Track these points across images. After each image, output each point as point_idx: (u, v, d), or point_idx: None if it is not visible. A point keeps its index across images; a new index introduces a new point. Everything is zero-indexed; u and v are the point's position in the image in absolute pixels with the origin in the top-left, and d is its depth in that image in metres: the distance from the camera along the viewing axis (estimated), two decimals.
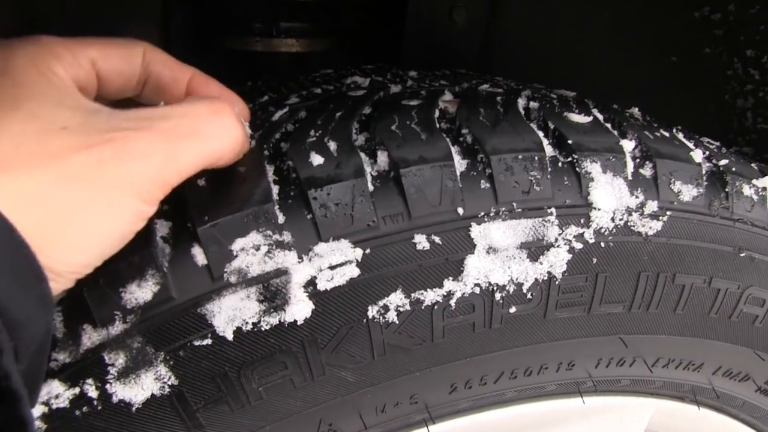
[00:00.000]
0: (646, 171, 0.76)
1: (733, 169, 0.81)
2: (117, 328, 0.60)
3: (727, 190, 0.79)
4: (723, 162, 0.81)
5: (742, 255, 0.81)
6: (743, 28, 1.30)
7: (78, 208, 0.51)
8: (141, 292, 0.60)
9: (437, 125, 0.73)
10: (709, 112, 1.44)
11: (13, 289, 0.45)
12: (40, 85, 0.55)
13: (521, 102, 0.83)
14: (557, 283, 0.74)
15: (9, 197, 0.48)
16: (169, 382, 0.63)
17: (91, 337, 0.60)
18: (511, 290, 0.72)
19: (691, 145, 0.81)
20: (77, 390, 0.61)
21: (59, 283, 0.52)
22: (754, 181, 0.82)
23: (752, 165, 0.86)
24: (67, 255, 0.52)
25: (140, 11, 1.19)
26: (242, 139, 0.63)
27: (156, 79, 0.67)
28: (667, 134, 0.82)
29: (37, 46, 0.57)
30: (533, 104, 0.82)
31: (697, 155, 0.79)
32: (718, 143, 0.91)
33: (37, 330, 0.48)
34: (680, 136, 0.84)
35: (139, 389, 0.62)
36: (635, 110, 0.94)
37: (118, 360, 0.61)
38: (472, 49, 1.44)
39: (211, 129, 0.59)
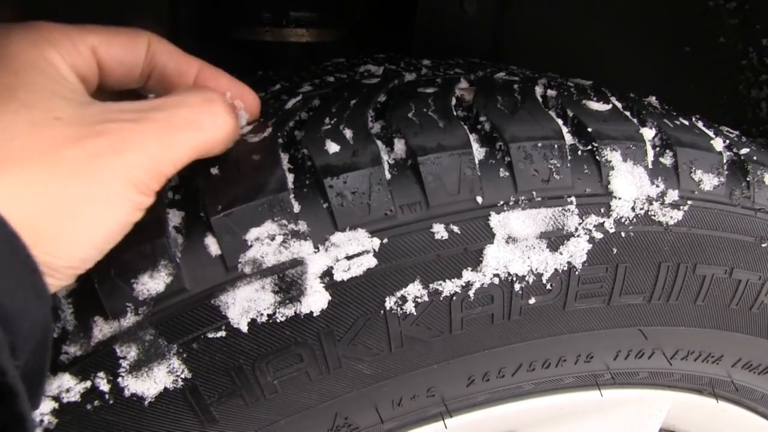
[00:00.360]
0: (667, 160, 0.74)
1: (755, 158, 0.80)
2: (129, 320, 0.59)
3: (748, 179, 0.78)
4: (744, 151, 0.80)
5: (763, 245, 0.79)
6: (759, 17, 1.29)
7: (72, 201, 0.50)
8: (153, 283, 0.59)
9: (454, 113, 0.71)
10: (722, 103, 1.43)
11: (5, 281, 0.44)
12: (34, 74, 0.54)
13: (539, 90, 0.81)
14: (577, 273, 0.72)
15: (1, 190, 0.47)
16: (183, 376, 0.62)
17: (102, 330, 0.59)
18: (531, 281, 0.71)
19: (711, 133, 0.80)
20: (88, 383, 0.60)
21: (57, 279, 0.52)
22: None
23: None
24: (63, 249, 0.51)
25: (149, 5, 1.17)
26: (234, 128, 0.63)
27: (161, 70, 0.66)
28: (686, 123, 0.80)
29: (34, 33, 0.56)
30: (551, 92, 0.81)
31: (718, 144, 0.78)
32: (737, 132, 0.89)
33: (35, 323, 0.47)
34: (700, 124, 0.82)
35: (151, 383, 0.61)
36: (653, 99, 0.92)
37: (130, 353, 0.60)
38: (484, 40, 1.42)
39: (204, 119, 0.59)
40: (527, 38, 1.45)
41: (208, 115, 0.59)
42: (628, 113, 0.78)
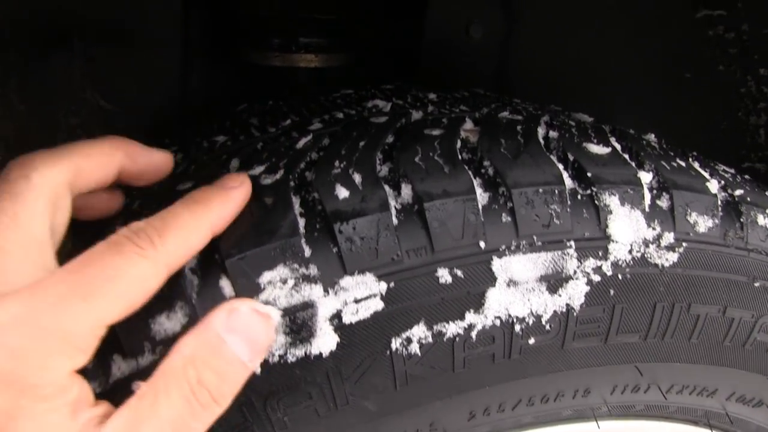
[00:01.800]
0: (663, 202, 0.77)
1: (748, 199, 0.82)
2: (146, 358, 0.62)
3: (742, 220, 0.81)
4: (738, 192, 0.82)
5: (756, 284, 0.82)
6: (757, 47, 1.31)
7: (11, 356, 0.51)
8: (170, 324, 0.62)
9: (459, 156, 0.74)
10: (722, 129, 1.45)
11: None
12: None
13: (541, 131, 0.84)
14: (575, 314, 0.75)
15: None
16: None
17: (120, 368, 0.62)
18: (531, 322, 0.73)
19: (707, 174, 0.83)
20: None
21: None
22: None
23: (767, 194, 0.87)
24: None
25: (161, 23, 1.20)
26: (152, 275, 0.58)
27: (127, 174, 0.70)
28: (683, 164, 0.83)
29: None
30: (553, 133, 0.83)
31: (713, 186, 0.81)
32: (733, 171, 0.92)
33: None
34: (696, 165, 0.85)
35: None
36: (651, 136, 0.95)
37: None
38: (489, 65, 1.45)
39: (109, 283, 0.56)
40: (531, 64, 1.47)
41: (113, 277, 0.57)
42: (626, 156, 0.81)
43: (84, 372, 0.61)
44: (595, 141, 0.83)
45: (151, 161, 0.71)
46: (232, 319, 0.59)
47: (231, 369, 0.59)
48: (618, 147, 0.83)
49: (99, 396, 0.61)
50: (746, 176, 0.96)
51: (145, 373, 0.62)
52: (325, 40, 1.34)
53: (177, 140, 0.99)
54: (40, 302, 0.52)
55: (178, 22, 1.22)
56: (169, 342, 0.62)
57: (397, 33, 1.50)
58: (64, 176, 0.61)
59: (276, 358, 0.65)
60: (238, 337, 0.59)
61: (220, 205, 0.64)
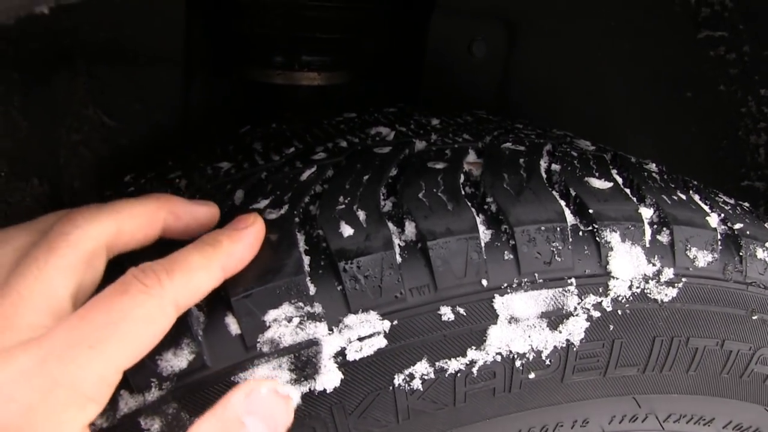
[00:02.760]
0: (663, 238, 0.78)
1: (748, 232, 0.83)
2: (153, 394, 0.63)
3: (741, 254, 0.82)
4: (738, 225, 0.83)
5: (754, 317, 0.83)
6: (757, 68, 1.32)
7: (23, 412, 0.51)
8: (176, 360, 0.63)
9: (462, 192, 0.75)
10: (723, 147, 1.46)
11: None
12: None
13: (543, 164, 0.85)
14: (575, 349, 0.76)
15: None
16: None
17: (128, 403, 0.62)
18: (531, 357, 0.74)
19: (707, 208, 0.84)
20: None
21: None
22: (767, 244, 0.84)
23: (766, 226, 0.88)
24: None
25: (163, 41, 1.21)
26: (159, 314, 0.58)
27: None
28: (684, 197, 0.84)
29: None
30: (555, 166, 0.84)
31: (713, 220, 0.82)
32: (733, 201, 0.93)
33: None
34: (696, 198, 0.86)
35: None
36: (653, 166, 0.96)
37: (153, 425, 0.63)
38: (492, 83, 1.46)
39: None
40: (534, 83, 1.48)
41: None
42: (628, 190, 0.82)
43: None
44: (597, 174, 0.84)
45: (196, 217, 0.70)
46: (252, 401, 0.59)
47: None
48: (619, 180, 0.84)
49: (107, 431, 0.63)
50: (745, 206, 0.96)
51: (151, 409, 0.63)
52: (328, 58, 1.35)
53: (180, 164, 1.00)
54: (49, 354, 0.52)
55: (181, 39, 1.23)
56: (175, 378, 0.63)
57: (399, 51, 1.51)
58: (104, 237, 0.61)
59: (297, 394, 0.66)
60: (258, 419, 0.59)
61: (231, 245, 0.64)
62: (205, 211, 0.71)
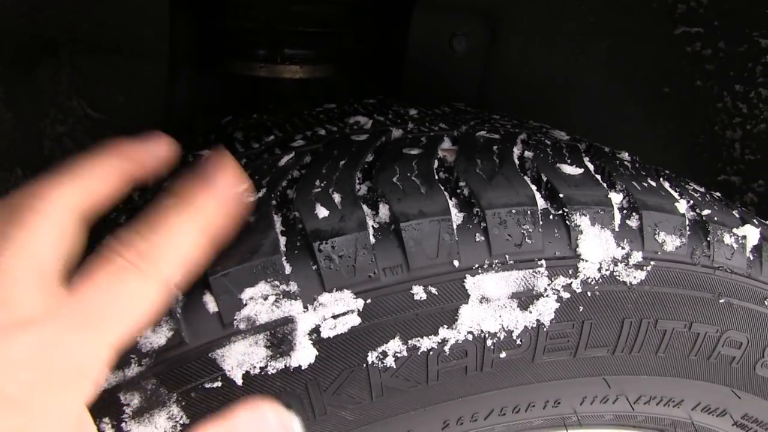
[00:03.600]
0: (633, 222, 0.80)
1: (715, 218, 0.86)
2: (133, 370, 0.64)
3: (709, 239, 0.84)
4: (706, 211, 0.86)
5: (721, 301, 0.85)
6: (732, 64, 1.35)
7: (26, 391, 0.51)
8: (155, 337, 0.64)
9: (436, 176, 0.77)
10: (700, 142, 1.49)
11: None
12: None
13: (517, 151, 0.87)
14: (545, 330, 0.78)
15: None
16: (181, 422, 0.67)
17: (108, 379, 0.64)
18: (502, 337, 0.76)
19: (676, 195, 0.86)
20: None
21: None
22: (735, 230, 0.87)
23: (734, 213, 0.90)
24: None
25: (147, 33, 1.22)
26: (151, 291, 0.58)
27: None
28: (654, 184, 0.86)
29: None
30: (528, 153, 0.86)
31: (682, 206, 0.84)
32: (703, 189, 0.95)
33: None
34: (667, 185, 0.88)
35: (152, 428, 0.66)
36: (625, 155, 0.98)
37: (133, 400, 0.65)
38: (472, 78, 1.48)
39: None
40: (514, 78, 1.50)
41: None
42: (598, 176, 0.84)
43: None
44: (569, 161, 0.86)
45: (151, 154, 0.68)
46: (257, 423, 0.61)
47: None
48: (591, 167, 0.86)
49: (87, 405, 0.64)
50: (716, 194, 0.99)
51: (131, 384, 0.65)
52: (310, 51, 1.36)
53: None
54: (48, 335, 0.52)
55: (165, 32, 1.24)
56: (154, 354, 0.64)
57: (381, 45, 1.52)
58: (73, 202, 0.59)
59: (257, 370, 0.68)
60: None
61: (210, 204, 0.62)
62: (158, 147, 0.69)
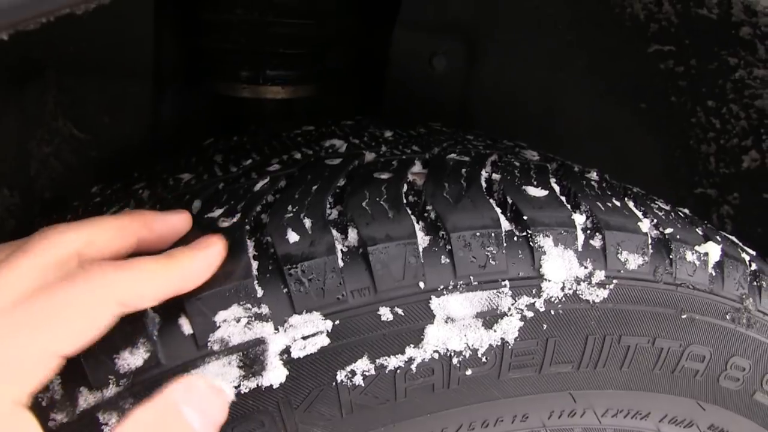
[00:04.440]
0: (596, 242, 0.83)
1: (678, 236, 0.88)
2: (111, 390, 0.67)
3: (671, 256, 0.87)
4: (669, 230, 0.89)
5: (683, 316, 0.88)
6: (704, 80, 1.38)
7: None
8: (133, 358, 0.67)
9: (404, 201, 0.80)
10: (676, 156, 1.52)
11: None
12: None
13: (485, 174, 0.90)
14: (510, 347, 0.81)
15: None
16: None
17: (87, 399, 0.67)
18: (467, 355, 0.79)
19: (639, 214, 0.89)
20: None
21: None
22: (697, 247, 0.90)
23: (697, 230, 0.93)
24: None
25: (133, 54, 1.24)
26: (103, 310, 0.62)
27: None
28: (618, 204, 0.89)
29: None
30: (495, 176, 0.89)
31: (645, 225, 0.87)
32: (668, 207, 0.98)
33: None
34: (631, 204, 0.91)
35: None
36: (593, 174, 1.01)
37: (111, 420, 0.67)
38: (452, 96, 1.51)
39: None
40: (493, 96, 1.53)
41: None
42: (563, 198, 0.87)
43: (51, 403, 0.66)
44: (535, 183, 0.89)
45: (169, 226, 0.75)
46: (190, 393, 0.63)
47: None
48: (557, 188, 0.89)
49: (66, 426, 0.67)
50: (682, 212, 1.02)
51: (109, 404, 0.67)
52: (292, 72, 1.39)
53: (145, 175, 1.04)
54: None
55: (150, 53, 1.26)
56: (132, 375, 0.67)
57: (362, 65, 1.55)
58: (74, 245, 0.65)
59: (231, 390, 0.70)
60: (194, 411, 0.62)
61: (187, 261, 0.68)
62: (177, 220, 0.75)
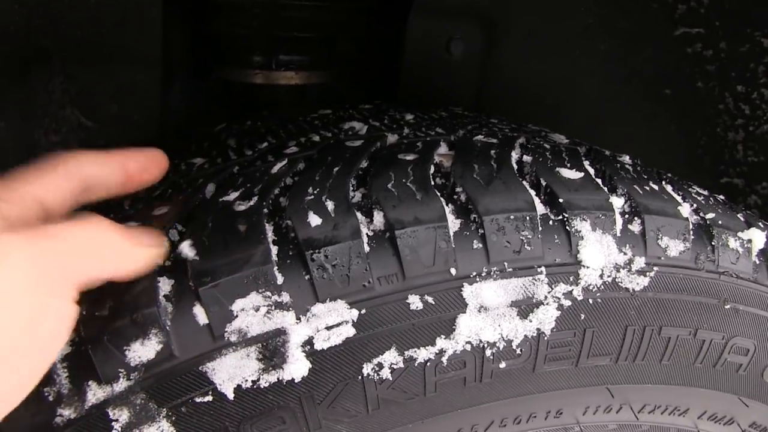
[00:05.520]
0: (635, 227, 0.78)
1: (720, 222, 0.84)
2: (121, 384, 0.63)
3: (713, 243, 0.82)
4: (710, 215, 0.84)
5: (726, 306, 0.83)
6: (734, 64, 1.33)
7: None
8: (144, 350, 0.63)
9: (432, 183, 0.75)
10: (701, 144, 1.47)
11: None
12: None
13: (515, 155, 0.85)
14: (546, 338, 0.76)
15: None
16: None
17: (96, 394, 0.62)
18: (501, 347, 0.74)
19: (679, 198, 0.84)
20: None
21: None
22: (740, 234, 0.85)
23: (739, 216, 0.88)
24: None
25: (141, 41, 1.21)
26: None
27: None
28: (656, 187, 0.84)
29: None
30: (527, 158, 0.85)
31: (685, 209, 0.82)
32: (706, 192, 0.93)
33: None
34: (669, 188, 0.86)
35: None
36: (626, 158, 0.96)
37: (122, 416, 0.63)
38: (470, 82, 1.46)
39: None
40: (512, 81, 1.49)
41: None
42: (599, 180, 0.82)
43: (58, 398, 0.62)
44: (569, 165, 0.84)
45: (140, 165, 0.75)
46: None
47: None
48: (591, 171, 0.84)
49: (74, 421, 0.62)
50: (719, 197, 0.97)
51: (119, 399, 0.63)
52: (306, 57, 1.35)
53: None
54: None
55: (158, 40, 1.22)
56: (143, 368, 0.63)
57: (378, 50, 1.51)
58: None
59: (249, 384, 0.66)
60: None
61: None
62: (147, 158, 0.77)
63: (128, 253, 0.63)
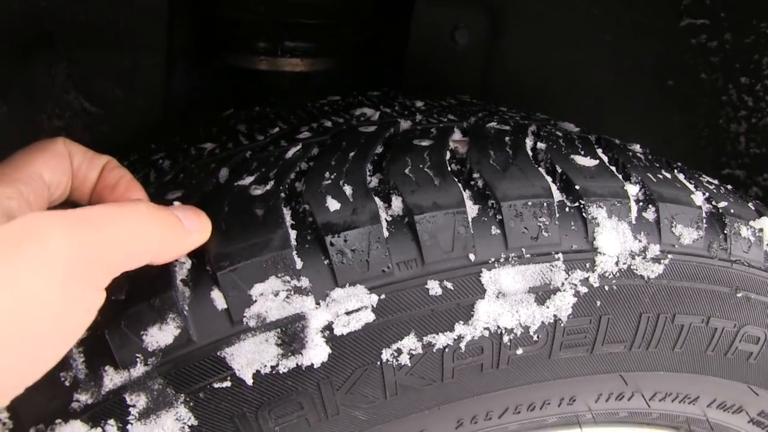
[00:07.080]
0: (649, 215, 0.78)
1: (732, 210, 0.84)
2: (138, 370, 0.62)
3: (725, 231, 0.82)
4: (722, 204, 0.84)
5: (738, 295, 0.83)
6: (738, 56, 1.33)
7: None
8: (162, 335, 0.62)
9: (449, 168, 0.75)
10: (703, 135, 1.47)
11: None
12: None
13: (529, 142, 0.85)
14: (562, 325, 0.76)
15: None
16: (189, 423, 0.65)
17: (113, 379, 0.62)
18: (519, 333, 0.74)
19: (691, 186, 0.84)
20: (99, 431, 0.62)
21: None
22: (752, 223, 0.85)
23: (750, 205, 0.88)
24: None
25: (145, 26, 1.20)
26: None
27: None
28: (668, 176, 0.84)
29: None
30: (540, 145, 0.84)
31: (698, 198, 0.82)
32: (717, 182, 0.93)
33: None
34: (681, 177, 0.86)
35: (159, 430, 0.64)
36: (637, 147, 0.96)
37: (139, 401, 0.62)
38: (475, 70, 1.46)
39: None
40: (517, 71, 1.48)
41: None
42: (613, 168, 0.82)
43: (75, 383, 0.61)
44: (583, 153, 0.84)
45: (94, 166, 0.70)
46: None
47: None
48: (605, 159, 0.84)
49: (90, 407, 0.62)
50: (729, 187, 0.97)
51: (137, 385, 0.62)
52: (311, 44, 1.34)
53: (164, 146, 0.99)
54: None
55: (162, 25, 1.21)
56: (161, 353, 0.62)
57: (382, 38, 1.50)
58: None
59: (268, 369, 0.65)
60: None
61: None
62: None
63: (175, 243, 0.61)
